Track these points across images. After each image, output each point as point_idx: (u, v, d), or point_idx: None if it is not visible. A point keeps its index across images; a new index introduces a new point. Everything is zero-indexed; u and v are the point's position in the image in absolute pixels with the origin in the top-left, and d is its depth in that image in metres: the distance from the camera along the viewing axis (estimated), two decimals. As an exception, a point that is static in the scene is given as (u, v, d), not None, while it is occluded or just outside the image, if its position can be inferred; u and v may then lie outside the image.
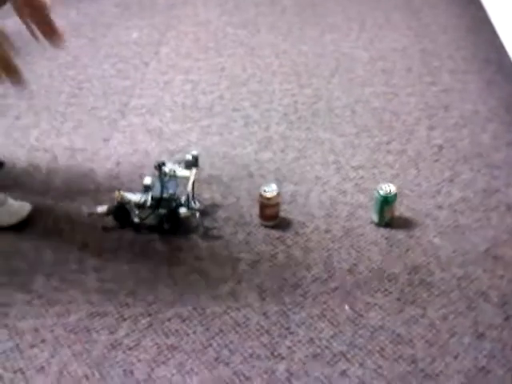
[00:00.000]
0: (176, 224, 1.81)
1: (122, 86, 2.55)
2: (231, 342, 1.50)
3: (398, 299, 1.60)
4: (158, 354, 1.48)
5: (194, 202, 1.84)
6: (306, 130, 2.25)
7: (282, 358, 1.47)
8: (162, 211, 1.79)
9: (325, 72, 2.60)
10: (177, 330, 1.53)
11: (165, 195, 1.79)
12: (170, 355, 1.48)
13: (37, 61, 2.69)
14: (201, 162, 2.08)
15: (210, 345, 1.50)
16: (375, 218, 1.81)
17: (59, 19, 3.06)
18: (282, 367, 1.45)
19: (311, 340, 1.50)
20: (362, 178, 2.01)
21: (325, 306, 1.58)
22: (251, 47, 2.82)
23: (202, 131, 2.26)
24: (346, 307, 1.58)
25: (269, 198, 1.79)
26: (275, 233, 1.81)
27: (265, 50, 2.79)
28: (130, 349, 1.50)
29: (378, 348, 1.48)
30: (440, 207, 1.88)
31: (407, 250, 1.74)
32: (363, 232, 1.80)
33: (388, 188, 1.78)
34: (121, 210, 1.82)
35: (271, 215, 1.83)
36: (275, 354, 1.48)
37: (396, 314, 1.56)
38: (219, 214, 1.88)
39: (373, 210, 1.82)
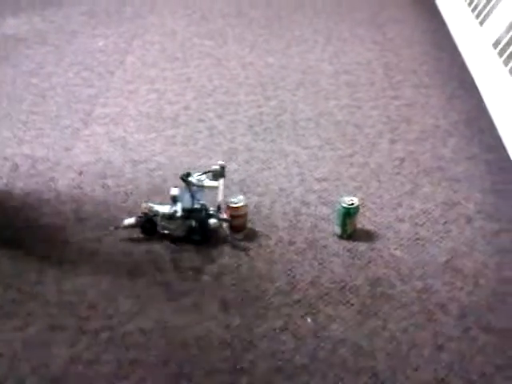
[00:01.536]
0: (205, 235, 1.80)
1: (86, 94, 2.53)
2: (193, 356, 1.49)
3: (360, 311, 1.61)
4: (118, 369, 1.46)
5: (221, 213, 1.83)
6: (270, 142, 2.26)
7: (244, 372, 1.46)
8: (192, 222, 1.78)
9: (290, 84, 2.63)
10: (138, 344, 1.51)
11: (196, 206, 1.78)
12: (130, 370, 1.46)
13: (-1, 68, 2.66)
14: (164, 172, 2.08)
15: (172, 358, 1.48)
16: (338, 230, 1.83)
17: (23, 25, 3.07)
18: (244, 381, 1.44)
19: (273, 353, 1.50)
20: (325, 190, 2.02)
21: (287, 319, 1.58)
22: (218, 58, 2.83)
23: (167, 141, 2.25)
24: (309, 319, 1.59)
25: (236, 209, 1.79)
26: (239, 245, 1.81)
27: (231, 62, 2.81)
28: (90, 363, 1.47)
29: (339, 360, 1.49)
30: (401, 220, 1.90)
31: (369, 263, 1.75)
32: (326, 244, 1.81)
33: (350, 200, 1.79)
34: (149, 222, 1.80)
35: (239, 226, 1.83)
36: (237, 367, 1.47)
37: (357, 327, 1.57)
38: (183, 226, 1.87)
39: (335, 222, 1.83)
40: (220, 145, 2.24)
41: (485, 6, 2.55)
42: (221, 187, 1.81)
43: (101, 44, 2.94)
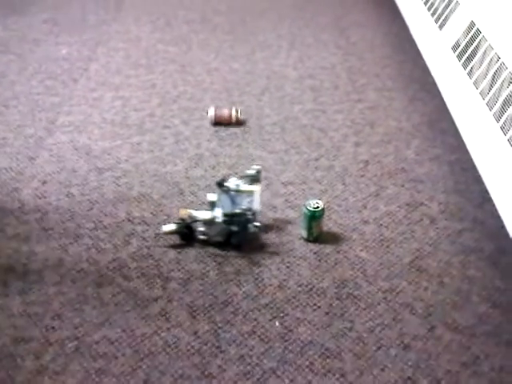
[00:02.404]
0: (245, 239, 1.81)
1: (49, 102, 2.50)
2: (161, 364, 1.48)
3: (327, 313, 1.62)
4: (85, 379, 1.45)
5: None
6: (236, 147, 2.26)
7: (213, 378, 1.46)
8: (232, 227, 1.78)
9: (255, 89, 2.64)
10: (105, 353, 1.50)
11: (238, 211, 1.77)
12: (97, 379, 1.45)
13: (-41, 77, 2.62)
14: (130, 179, 2.07)
15: (140, 367, 1.48)
16: (304, 233, 1.84)
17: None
18: (212, 386, 1.44)
19: (242, 358, 1.51)
20: (291, 193, 2.04)
21: (255, 323, 1.59)
22: (182, 64, 2.83)
23: (132, 148, 2.24)
24: (277, 323, 1.59)
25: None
26: (206, 250, 1.81)
27: (196, 67, 2.80)
28: (56, 374, 1.46)
29: (307, 363, 1.50)
30: (366, 221, 1.92)
31: (335, 265, 1.77)
32: (293, 247, 1.82)
33: (315, 203, 1.81)
34: (187, 228, 1.80)
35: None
36: (206, 373, 1.47)
37: (325, 328, 1.58)
38: (149, 233, 1.86)
39: (301, 225, 1.84)
40: (186, 151, 2.24)
41: (444, 10, 2.60)
42: (258, 192, 1.82)
43: (64, 52, 2.91)
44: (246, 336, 1.56)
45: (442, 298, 1.67)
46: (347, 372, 1.48)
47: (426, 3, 2.83)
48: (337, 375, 1.47)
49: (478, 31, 2.21)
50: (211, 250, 1.81)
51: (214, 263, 1.77)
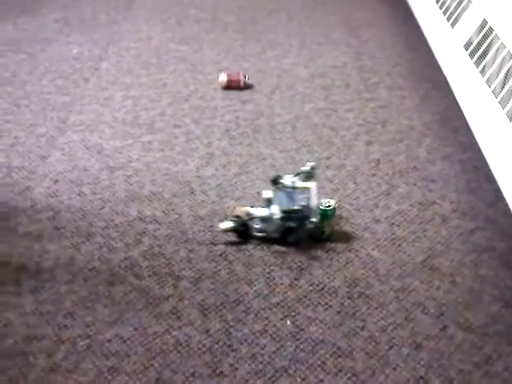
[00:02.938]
0: (302, 235, 1.82)
1: (61, 102, 2.51)
2: (173, 362, 1.48)
3: (338, 312, 1.62)
4: (97, 377, 1.45)
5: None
6: (247, 146, 2.26)
7: (225, 376, 1.46)
8: (289, 223, 1.79)
9: (266, 88, 2.64)
10: (117, 351, 1.50)
11: (296, 207, 1.78)
12: (110, 377, 1.45)
13: (-29, 77, 2.64)
14: (141, 178, 2.08)
15: (152, 365, 1.48)
16: (315, 232, 1.84)
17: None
18: (224, 385, 1.44)
19: (253, 356, 1.50)
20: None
21: (267, 322, 1.59)
22: (193, 63, 2.83)
23: (143, 147, 2.24)
24: (288, 322, 1.59)
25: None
26: (217, 249, 1.81)
27: (207, 67, 2.81)
28: (68, 372, 1.46)
29: (319, 362, 1.49)
30: (378, 220, 1.92)
31: (346, 264, 1.76)
32: (304, 246, 1.82)
33: (327, 202, 1.80)
34: (243, 226, 1.82)
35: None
36: (217, 372, 1.47)
37: (336, 328, 1.58)
38: (161, 232, 1.86)
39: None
40: (197, 150, 2.24)
41: (456, 8, 2.59)
42: (314, 189, 1.82)
43: (75, 51, 2.92)
44: (257, 335, 1.55)
45: (454, 298, 1.67)
46: (359, 371, 1.47)
47: (437, 1, 2.82)
48: (348, 374, 1.47)
49: (491, 29, 2.20)
50: (222, 248, 1.81)
51: (225, 262, 1.77)
